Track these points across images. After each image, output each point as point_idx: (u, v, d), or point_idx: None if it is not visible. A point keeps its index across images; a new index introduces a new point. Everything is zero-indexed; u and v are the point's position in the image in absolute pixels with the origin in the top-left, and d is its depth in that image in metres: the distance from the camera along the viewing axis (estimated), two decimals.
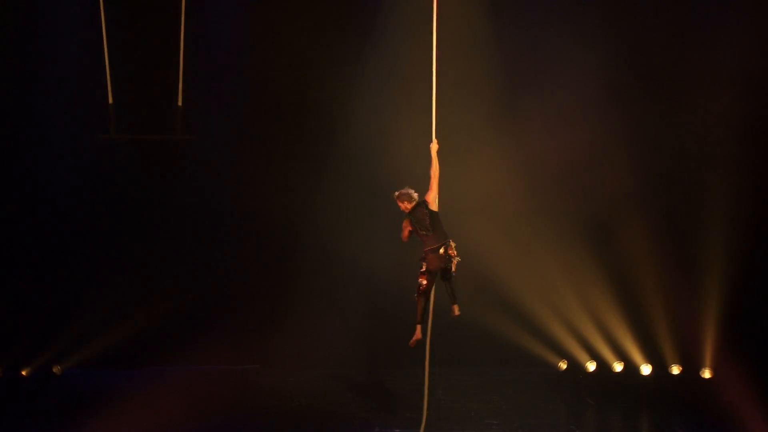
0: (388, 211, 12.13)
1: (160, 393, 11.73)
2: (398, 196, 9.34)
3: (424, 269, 9.20)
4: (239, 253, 12.85)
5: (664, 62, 12.26)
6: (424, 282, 9.21)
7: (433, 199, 9.25)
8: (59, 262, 12.55)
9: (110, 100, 10.51)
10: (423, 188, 9.31)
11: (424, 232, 9.18)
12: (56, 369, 12.48)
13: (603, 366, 12.62)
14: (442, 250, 9.12)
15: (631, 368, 12.54)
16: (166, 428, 10.54)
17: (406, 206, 9.29)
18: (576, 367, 12.69)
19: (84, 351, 12.56)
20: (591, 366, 12.63)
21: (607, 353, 12.61)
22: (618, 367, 12.53)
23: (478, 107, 12.42)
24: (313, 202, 12.66)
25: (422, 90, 9.78)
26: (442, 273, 9.22)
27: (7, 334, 12.41)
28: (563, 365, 12.72)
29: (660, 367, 12.47)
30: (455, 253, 9.15)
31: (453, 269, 9.18)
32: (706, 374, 12.23)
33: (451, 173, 9.70)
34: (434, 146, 9.32)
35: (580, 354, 12.69)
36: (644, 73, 12.30)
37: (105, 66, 10.35)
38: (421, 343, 9.41)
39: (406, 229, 9.26)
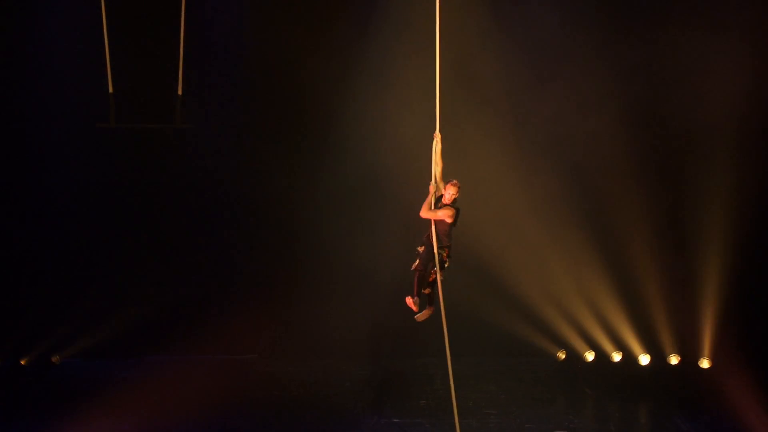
0: (389, 201, 12.22)
1: (158, 382, 11.74)
2: (458, 184, 8.87)
3: (447, 265, 8.95)
4: (238, 243, 12.84)
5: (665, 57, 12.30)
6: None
7: None
8: (58, 251, 12.53)
9: (110, 90, 10.50)
10: (424, 181, 9.15)
11: (456, 225, 8.90)
12: (55, 359, 12.48)
13: (601, 356, 12.66)
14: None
15: (629, 358, 12.59)
16: (164, 417, 10.57)
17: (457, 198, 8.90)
18: (575, 356, 12.73)
19: (82, 341, 12.56)
20: (590, 356, 12.70)
21: (605, 343, 12.65)
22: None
23: (479, 98, 12.42)
24: (313, 192, 12.64)
25: (423, 81, 9.73)
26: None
27: (6, 324, 12.41)
28: (562, 355, 12.74)
29: (658, 357, 12.51)
30: None
31: None
32: (705, 364, 12.28)
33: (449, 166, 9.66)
34: (437, 137, 9.01)
35: (579, 344, 12.73)
36: (647, 67, 12.33)
37: (105, 55, 10.33)
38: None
39: (452, 219, 8.80)
